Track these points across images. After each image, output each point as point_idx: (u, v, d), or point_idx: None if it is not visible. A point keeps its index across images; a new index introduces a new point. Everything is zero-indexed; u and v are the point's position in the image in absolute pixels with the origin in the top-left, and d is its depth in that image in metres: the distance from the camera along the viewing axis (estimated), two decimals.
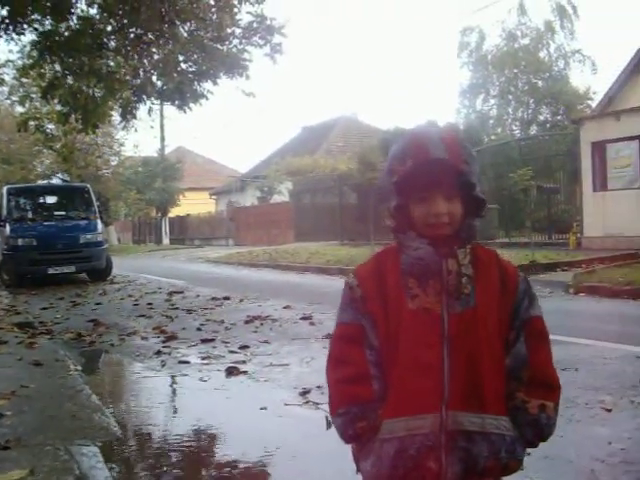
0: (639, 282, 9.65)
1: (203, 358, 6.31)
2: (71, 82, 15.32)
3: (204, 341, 7.14)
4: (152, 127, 46.86)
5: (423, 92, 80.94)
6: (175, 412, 4.90)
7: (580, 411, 4.11)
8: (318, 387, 4.86)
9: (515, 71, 34.71)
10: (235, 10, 15.08)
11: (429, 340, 1.58)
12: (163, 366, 6.08)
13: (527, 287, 1.69)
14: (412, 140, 1.60)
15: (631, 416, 4.07)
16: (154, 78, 15.48)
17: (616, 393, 4.53)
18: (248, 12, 15.25)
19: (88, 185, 19.03)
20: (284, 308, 9.41)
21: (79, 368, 6.12)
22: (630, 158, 16.26)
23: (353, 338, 1.64)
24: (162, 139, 41.01)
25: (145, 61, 15.38)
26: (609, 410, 4.14)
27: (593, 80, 70.96)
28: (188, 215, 45.39)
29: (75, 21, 14.09)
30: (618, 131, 16.46)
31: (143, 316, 9.37)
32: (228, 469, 3.56)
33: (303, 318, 8.35)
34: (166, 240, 42.76)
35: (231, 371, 5.63)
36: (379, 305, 1.62)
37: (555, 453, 3.25)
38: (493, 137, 31.52)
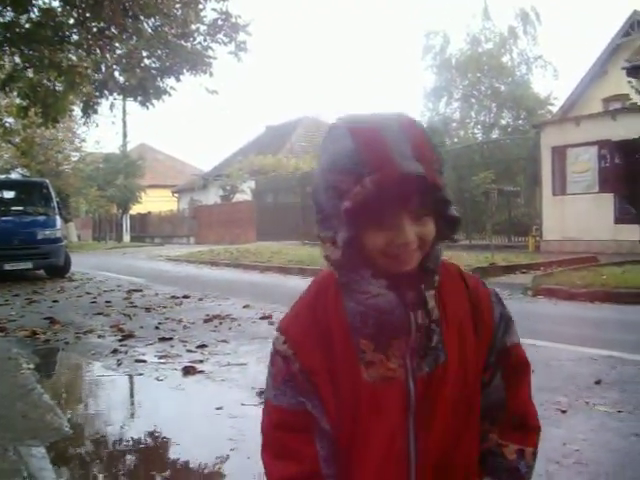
0: (596, 285, 9.79)
1: (160, 357, 6.22)
2: (31, 75, 15.08)
3: (162, 340, 7.05)
4: (114, 123, 46.33)
5: (387, 94, 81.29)
6: (129, 412, 4.82)
7: None
8: None
9: (478, 75, 35.01)
10: (200, 6, 15.01)
11: (392, 420, 1.21)
12: (119, 365, 5.99)
13: (502, 309, 1.34)
14: (368, 145, 1.12)
15: (586, 417, 4.10)
16: (117, 73, 15.32)
17: (571, 395, 4.57)
18: (213, 9, 15.20)
19: (47, 180, 18.72)
20: (244, 307, 9.35)
21: (32, 367, 6.00)
22: (589, 163, 16.54)
23: (297, 427, 1.25)
24: (124, 135, 40.66)
25: (108, 56, 15.21)
26: (564, 411, 4.18)
27: (555, 86, 72.18)
28: (149, 213, 45.04)
29: (36, 13, 13.88)
30: (578, 136, 16.72)
31: (101, 314, 9.23)
32: (182, 470, 3.51)
33: (262, 317, 8.30)
34: (127, 238, 42.39)
35: (188, 370, 5.56)
36: (326, 378, 1.22)
37: None
38: (456, 140, 31.80)
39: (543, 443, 1.44)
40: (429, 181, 1.11)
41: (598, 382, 4.88)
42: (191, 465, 3.56)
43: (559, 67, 53.75)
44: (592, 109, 21.48)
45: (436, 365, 1.22)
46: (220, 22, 15.09)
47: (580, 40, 70.24)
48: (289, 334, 1.25)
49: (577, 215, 16.36)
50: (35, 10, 13.76)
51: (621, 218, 15.83)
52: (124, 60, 14.91)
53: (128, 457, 3.74)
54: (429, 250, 1.19)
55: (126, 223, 43.18)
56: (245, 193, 34.67)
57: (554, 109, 31.83)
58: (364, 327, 1.20)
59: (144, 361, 6.09)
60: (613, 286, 9.67)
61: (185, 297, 10.83)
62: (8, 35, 13.53)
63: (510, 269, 12.90)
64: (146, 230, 45.16)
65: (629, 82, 11.87)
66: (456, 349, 1.24)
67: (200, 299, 10.63)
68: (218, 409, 4.41)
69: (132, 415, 4.70)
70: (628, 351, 5.97)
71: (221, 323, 8.10)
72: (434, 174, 1.12)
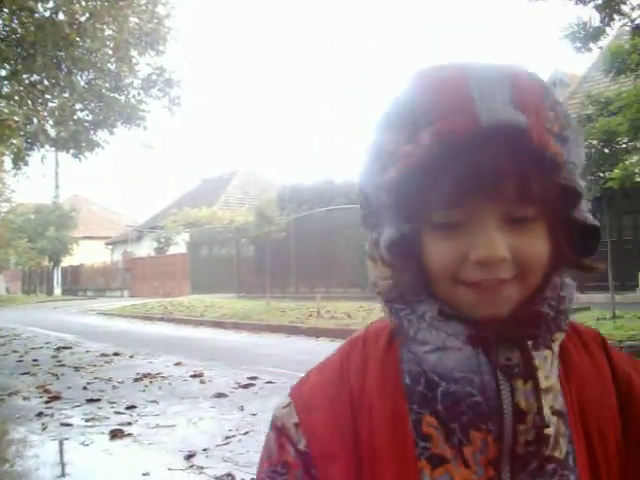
0: None
1: (87, 420, 6.09)
2: None
3: (89, 401, 6.91)
4: (45, 175, 45.69)
5: (325, 148, 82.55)
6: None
7: None
8: (204, 450, 4.81)
9: None
10: (134, 61, 15.10)
11: None
12: (44, 429, 5.84)
13: None
14: (436, 87, 0.69)
15: None
16: (48, 126, 15.21)
17: None
18: (148, 64, 15.31)
19: None
20: (175, 365, 9.25)
21: None
22: None
23: None
24: (56, 186, 40.20)
25: (40, 108, 15.10)
26: None
27: None
28: (82, 265, 44.22)
29: None
30: None
31: (27, 374, 8.99)
32: None
33: (194, 376, 8.22)
34: (58, 291, 41.50)
35: (115, 434, 5.47)
36: (350, 470, 0.76)
37: None
38: None
39: None
40: (538, 144, 0.66)
41: None
42: None
43: None
44: None
45: None
46: (154, 77, 15.23)
47: None
48: (299, 396, 0.83)
49: None
50: None
51: None
52: (56, 113, 14.83)
53: None
54: (542, 283, 0.73)
55: (57, 276, 42.33)
56: (179, 245, 34.43)
57: None
58: (429, 398, 0.74)
59: (70, 425, 5.95)
60: None
61: (115, 354, 10.65)
62: None
63: None
64: (78, 283, 44.28)
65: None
66: (587, 465, 0.75)
67: (131, 356, 10.47)
68: (145, 475, 4.35)
69: None
70: None
71: (151, 382, 7.99)
72: (548, 137, 0.66)
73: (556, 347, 0.74)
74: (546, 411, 0.71)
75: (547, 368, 0.72)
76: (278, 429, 0.82)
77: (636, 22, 9.98)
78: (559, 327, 0.74)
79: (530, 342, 0.72)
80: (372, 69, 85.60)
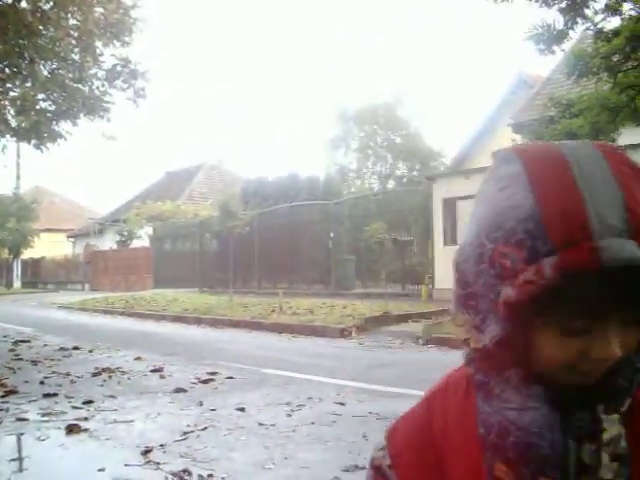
0: None
1: (43, 415, 6.01)
2: None
3: (46, 396, 6.81)
4: (6, 166, 44.89)
5: (289, 143, 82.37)
6: (4, 476, 4.64)
7: None
8: (161, 445, 4.78)
9: (375, 127, 36.06)
10: (98, 51, 14.92)
11: None
12: None
13: None
14: (551, 198, 0.71)
15: None
16: (10, 115, 14.98)
17: None
18: (112, 55, 15.13)
19: None
20: (135, 359, 9.17)
21: None
22: None
23: None
24: (17, 177, 39.47)
25: (0, 97, 14.87)
26: None
27: (449, 139, 75.04)
28: (43, 258, 43.59)
29: None
30: (467, 189, 17.39)
31: None
32: None
33: (154, 370, 8.17)
34: (18, 283, 40.86)
35: (71, 429, 5.41)
36: None
37: None
38: (352, 189, 32.45)
39: None
40: None
41: None
42: None
43: (456, 120, 56.07)
44: (483, 162, 22.36)
45: None
46: (119, 68, 15.06)
47: (477, 94, 73.67)
48: (392, 438, 0.96)
49: None
50: None
51: None
52: (18, 102, 14.61)
53: None
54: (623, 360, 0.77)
55: (17, 268, 41.65)
56: (143, 239, 34.13)
57: (447, 161, 33.04)
58: (501, 446, 0.80)
59: (26, 419, 5.87)
60: None
61: (75, 349, 10.53)
62: None
63: (403, 318, 13.18)
64: (39, 276, 43.68)
65: (513, 140, 12.55)
66: None
67: (90, 351, 10.36)
68: (100, 471, 4.31)
69: (7, 479, 4.53)
70: None
71: (110, 377, 7.91)
72: None
73: (622, 413, 0.80)
74: (605, 462, 0.78)
75: (614, 429, 0.79)
76: (375, 468, 0.95)
77: (599, 26, 10.14)
78: (630, 395, 0.80)
79: (601, 407, 0.79)
80: (338, 60, 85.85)
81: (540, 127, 11.80)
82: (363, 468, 3.62)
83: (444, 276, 17.51)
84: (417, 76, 35.35)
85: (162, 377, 7.78)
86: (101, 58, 14.90)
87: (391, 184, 34.44)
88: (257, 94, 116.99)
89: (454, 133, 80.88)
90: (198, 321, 14.85)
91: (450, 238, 17.69)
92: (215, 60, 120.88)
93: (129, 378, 7.83)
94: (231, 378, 7.51)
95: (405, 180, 34.04)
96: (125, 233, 36.55)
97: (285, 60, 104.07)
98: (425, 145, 35.59)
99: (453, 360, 0.91)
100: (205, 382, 7.31)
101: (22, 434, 5.44)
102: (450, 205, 17.78)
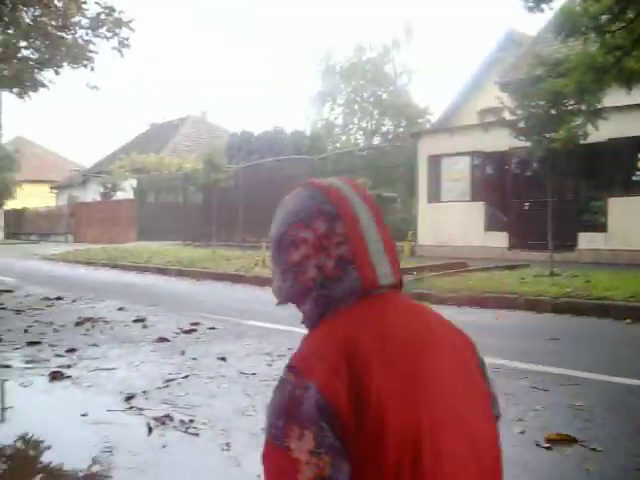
0: (463, 290, 10.28)
1: (27, 362, 6.08)
2: None
3: (30, 344, 6.87)
4: None
5: (275, 97, 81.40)
6: None
7: None
8: (144, 392, 4.85)
9: (362, 82, 35.80)
10: None
11: None
12: None
13: None
14: None
15: None
16: None
17: None
18: (96, 2, 14.86)
19: None
20: (118, 310, 9.23)
21: None
22: (462, 172, 17.29)
23: None
24: None
25: None
26: None
27: (436, 96, 74.61)
28: (25, 209, 43.29)
29: None
30: (452, 146, 17.44)
31: None
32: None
33: (136, 320, 8.23)
34: (0, 234, 40.62)
35: (55, 376, 5.47)
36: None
37: None
38: (338, 145, 32.34)
39: None
40: None
41: None
42: (50, 475, 3.55)
43: (441, 78, 55.64)
44: (469, 120, 22.37)
45: None
46: (103, 16, 14.79)
47: (464, 53, 73.09)
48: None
49: (450, 222, 17.07)
50: None
51: (491, 226, 16.65)
52: (0, 50, 14.37)
53: None
54: None
55: (0, 219, 41.40)
56: (126, 191, 33.94)
57: (433, 118, 32.95)
58: None
59: (9, 366, 5.94)
60: (479, 291, 10.19)
61: (58, 299, 10.56)
62: None
63: None
64: (22, 227, 43.44)
65: (498, 98, 12.51)
66: None
67: (73, 301, 10.40)
68: (83, 416, 4.38)
69: None
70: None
71: (93, 326, 7.97)
72: None
73: None
74: None
75: None
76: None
77: None
78: None
79: None
80: (326, 14, 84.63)
81: (527, 86, 11.79)
82: None
83: (427, 232, 17.65)
84: (406, 32, 34.92)
85: (145, 327, 7.85)
86: (85, 6, 14.62)
87: (377, 140, 34.33)
88: (245, 47, 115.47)
89: (442, 91, 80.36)
90: (181, 273, 14.90)
91: (434, 195, 17.78)
92: (202, 12, 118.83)
93: (112, 328, 7.89)
94: (213, 329, 7.59)
95: (391, 136, 33.96)
96: (109, 185, 36.33)
97: (273, 13, 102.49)
98: (412, 102, 35.44)
99: None
100: (187, 332, 7.39)
101: (6, 380, 5.51)
102: (435, 162, 17.81)
